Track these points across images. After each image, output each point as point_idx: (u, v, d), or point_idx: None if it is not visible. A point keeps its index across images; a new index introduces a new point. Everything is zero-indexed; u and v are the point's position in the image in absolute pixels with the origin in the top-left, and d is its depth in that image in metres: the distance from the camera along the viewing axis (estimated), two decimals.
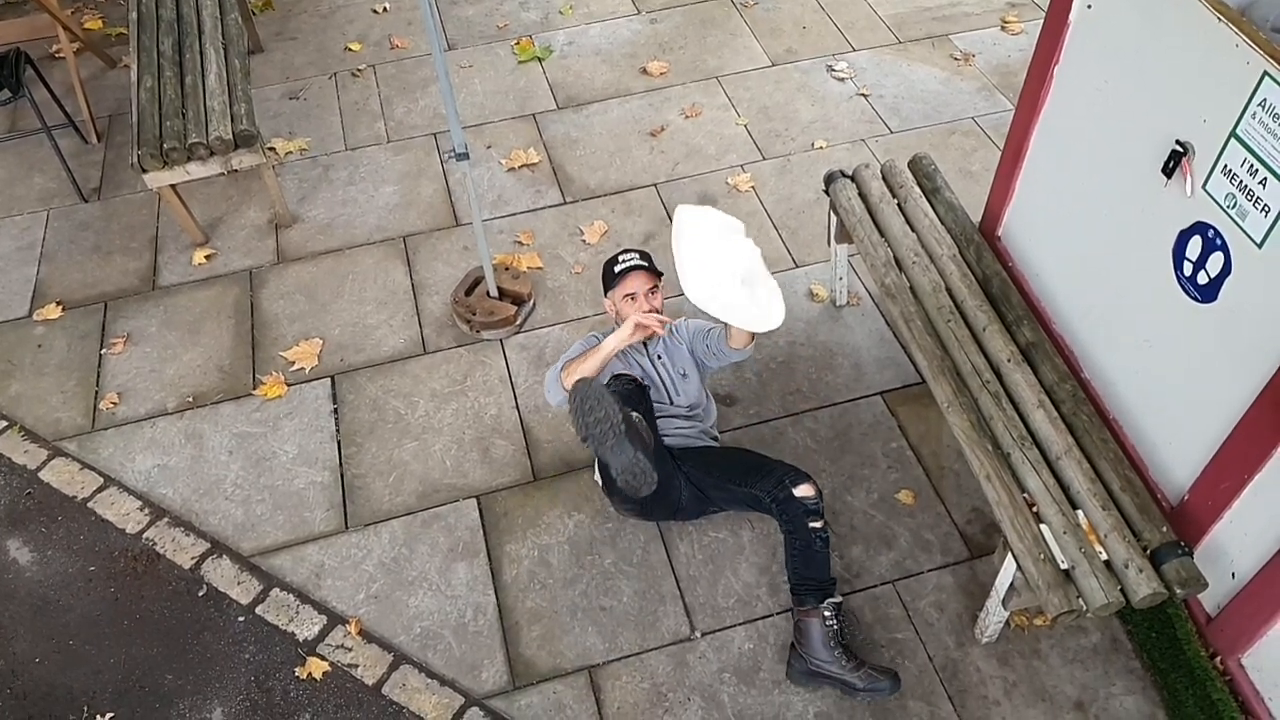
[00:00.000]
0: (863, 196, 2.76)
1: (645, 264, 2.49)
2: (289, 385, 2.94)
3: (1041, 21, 2.24)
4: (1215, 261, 1.81)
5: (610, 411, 2.04)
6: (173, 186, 3.18)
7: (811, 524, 2.21)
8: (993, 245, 2.61)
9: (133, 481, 2.73)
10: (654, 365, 2.50)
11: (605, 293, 2.54)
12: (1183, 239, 1.89)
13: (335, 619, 2.42)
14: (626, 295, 2.46)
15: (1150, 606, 1.91)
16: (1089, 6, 2.07)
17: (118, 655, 2.38)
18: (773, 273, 3.18)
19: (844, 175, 2.82)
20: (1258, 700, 2.03)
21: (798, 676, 2.22)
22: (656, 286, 2.49)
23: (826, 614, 2.17)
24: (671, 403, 2.47)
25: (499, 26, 4.30)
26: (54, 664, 2.38)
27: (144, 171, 3.07)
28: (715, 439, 2.58)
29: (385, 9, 4.42)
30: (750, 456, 2.42)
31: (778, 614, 2.38)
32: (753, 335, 2.39)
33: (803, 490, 2.23)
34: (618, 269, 2.49)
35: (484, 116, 3.85)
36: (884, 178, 2.79)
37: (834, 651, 2.15)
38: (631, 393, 2.31)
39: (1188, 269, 1.89)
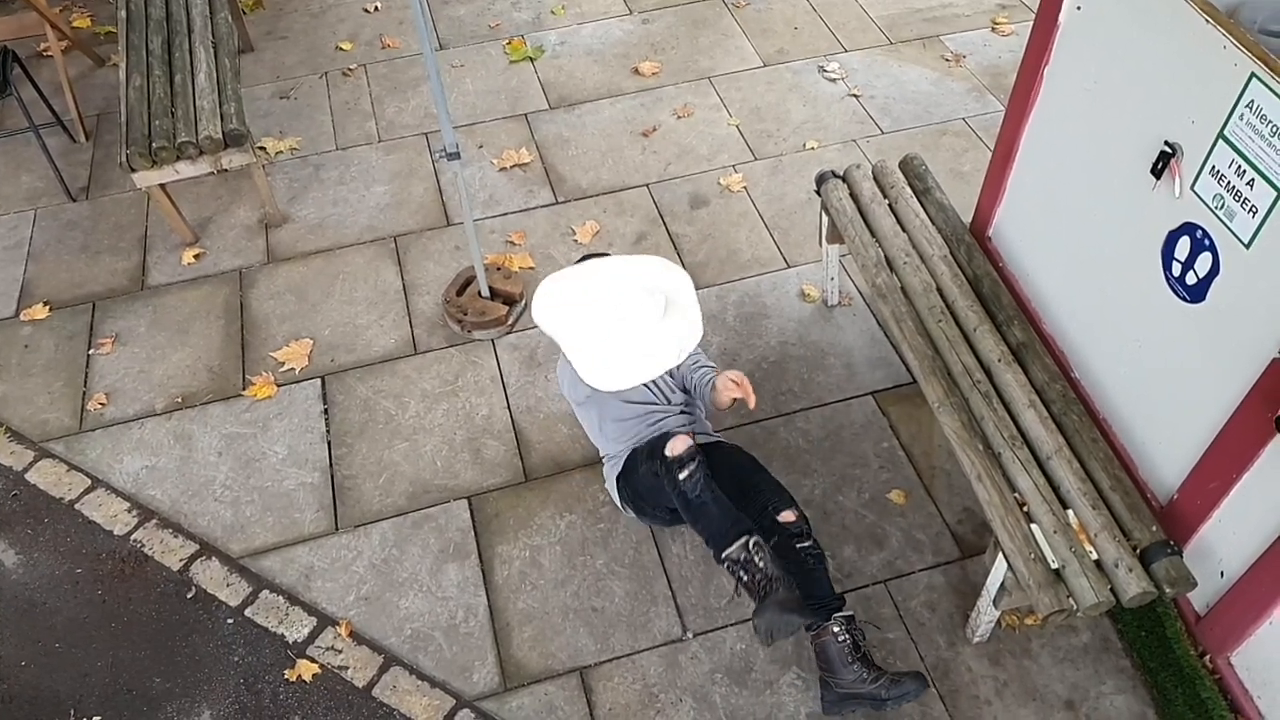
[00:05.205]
0: (854, 197, 2.77)
1: None
2: (279, 386, 2.93)
3: (1032, 23, 2.25)
4: (1203, 262, 1.82)
5: (793, 622, 2.12)
6: (162, 186, 3.16)
7: (799, 545, 2.20)
8: (983, 246, 2.61)
9: (121, 483, 2.71)
10: None
11: None
12: (1171, 239, 1.90)
13: (325, 621, 2.41)
14: None
15: (1140, 605, 1.92)
16: (1078, 8, 2.08)
17: (105, 658, 2.37)
18: (764, 273, 3.25)
19: (835, 176, 2.83)
20: (1246, 698, 2.04)
21: (831, 707, 2.16)
22: None
23: (835, 629, 2.13)
24: (669, 402, 2.45)
25: (491, 26, 4.29)
26: (40, 667, 2.36)
27: (133, 171, 3.05)
28: (709, 432, 2.57)
29: (376, 8, 4.41)
30: (742, 472, 2.36)
31: None
32: (733, 402, 2.35)
33: (785, 516, 2.22)
34: None
35: (475, 116, 3.84)
36: (875, 178, 2.79)
37: (853, 667, 2.11)
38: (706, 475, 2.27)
39: (1176, 269, 1.90)
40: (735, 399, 2.28)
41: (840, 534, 2.53)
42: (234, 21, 3.72)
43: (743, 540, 2.14)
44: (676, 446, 2.19)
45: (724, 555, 2.15)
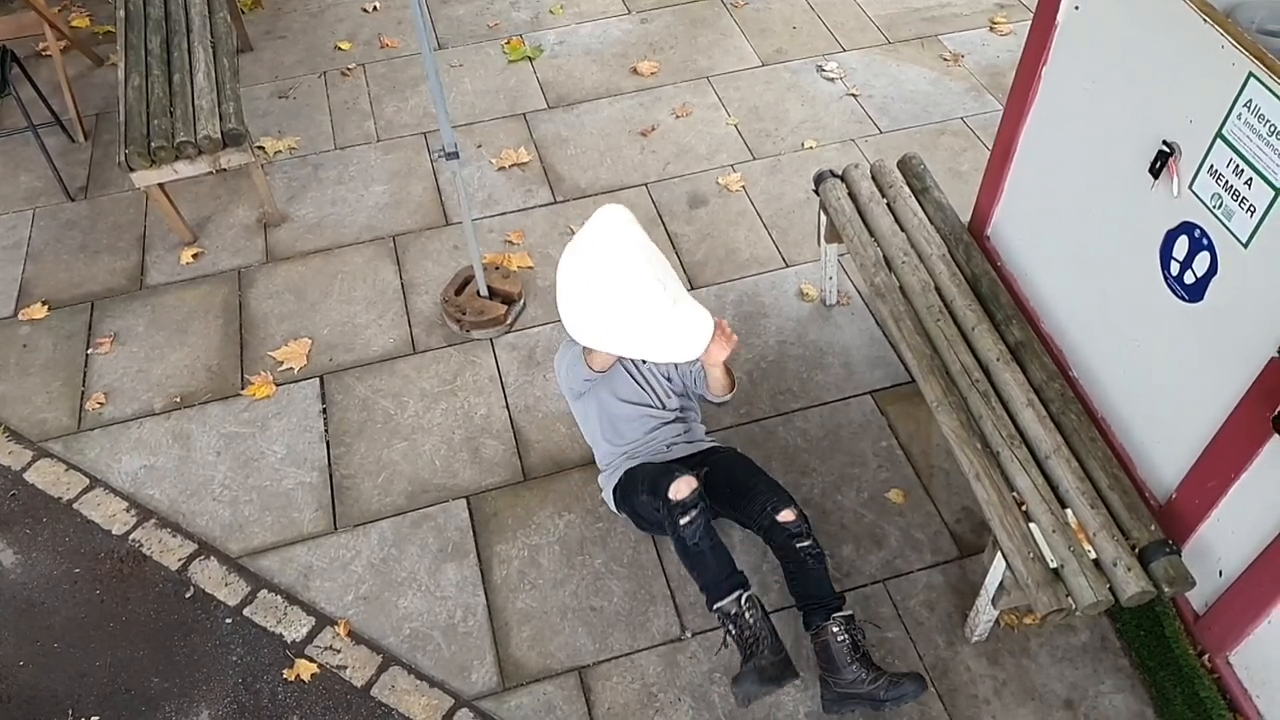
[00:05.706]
0: (852, 196, 2.77)
1: None
2: (277, 385, 2.93)
3: (1030, 22, 2.25)
4: (1202, 261, 1.82)
5: (772, 691, 2.13)
6: (160, 185, 3.16)
7: (798, 545, 2.19)
8: (981, 245, 2.61)
9: (119, 482, 2.71)
10: (640, 372, 2.43)
11: None
12: (1170, 239, 1.90)
13: (324, 620, 2.41)
14: None
15: (1138, 605, 1.92)
16: (1076, 8, 2.08)
17: (103, 658, 2.36)
18: (762, 273, 3.26)
19: (834, 175, 2.83)
20: (1245, 698, 2.04)
21: (830, 707, 2.15)
22: None
23: (835, 629, 2.12)
24: (664, 407, 2.44)
25: (489, 26, 4.29)
26: (38, 667, 2.36)
27: (131, 170, 3.05)
28: (705, 437, 2.56)
29: (375, 8, 4.41)
30: (740, 475, 2.35)
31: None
32: (732, 385, 2.34)
33: (785, 515, 2.21)
34: None
35: (474, 116, 3.84)
36: (873, 177, 2.79)
37: (853, 667, 2.10)
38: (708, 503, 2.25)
39: (1174, 268, 1.90)
40: (724, 359, 2.20)
41: (839, 533, 2.53)
42: (232, 21, 3.72)
43: (736, 594, 2.15)
44: (680, 490, 2.17)
45: (716, 607, 2.16)
